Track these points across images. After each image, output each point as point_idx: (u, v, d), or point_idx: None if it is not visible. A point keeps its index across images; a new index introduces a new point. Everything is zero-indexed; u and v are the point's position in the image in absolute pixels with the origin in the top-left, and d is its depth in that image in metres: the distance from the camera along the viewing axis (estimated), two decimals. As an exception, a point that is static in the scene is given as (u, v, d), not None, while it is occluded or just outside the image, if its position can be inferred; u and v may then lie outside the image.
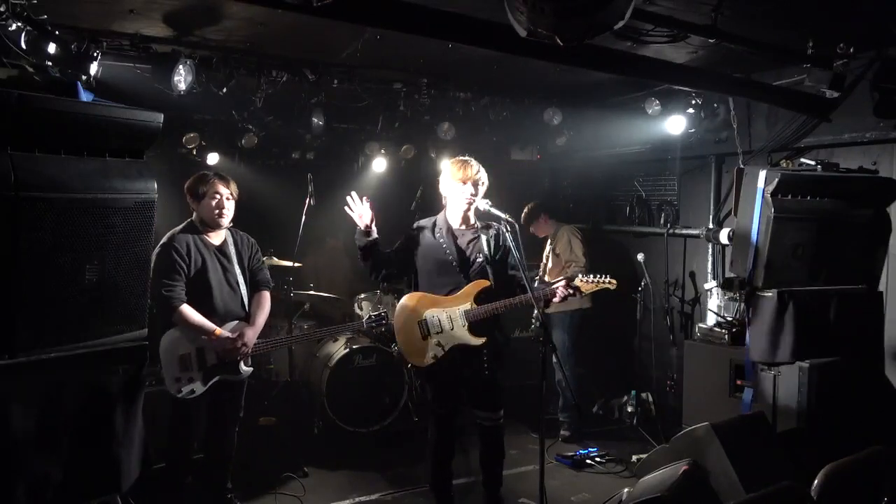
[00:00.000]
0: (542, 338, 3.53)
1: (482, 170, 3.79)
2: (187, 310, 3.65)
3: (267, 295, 4.07)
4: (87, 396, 2.18)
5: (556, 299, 3.84)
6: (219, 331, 3.71)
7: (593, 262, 5.43)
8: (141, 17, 3.68)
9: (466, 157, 3.83)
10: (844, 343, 3.97)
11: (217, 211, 3.80)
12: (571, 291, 3.79)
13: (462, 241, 3.82)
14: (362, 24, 3.53)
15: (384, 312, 4.49)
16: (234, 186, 3.90)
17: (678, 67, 4.29)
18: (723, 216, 5.60)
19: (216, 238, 3.88)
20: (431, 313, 3.74)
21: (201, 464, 4.08)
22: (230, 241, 3.95)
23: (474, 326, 3.70)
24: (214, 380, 3.73)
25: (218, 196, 3.80)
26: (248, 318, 3.92)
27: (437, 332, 3.72)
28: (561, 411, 5.51)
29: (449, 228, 3.83)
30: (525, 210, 5.76)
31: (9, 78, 2.92)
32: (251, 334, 3.82)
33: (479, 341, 3.70)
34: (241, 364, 3.81)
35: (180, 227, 3.83)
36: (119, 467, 2.27)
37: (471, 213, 3.83)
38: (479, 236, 3.82)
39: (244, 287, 3.94)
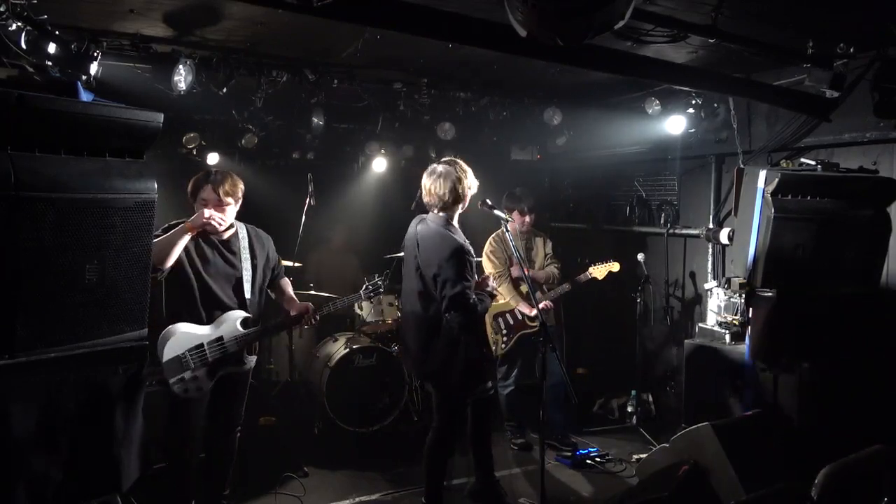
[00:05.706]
0: (542, 338, 3.54)
1: None
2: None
3: (287, 280, 4.16)
4: (87, 396, 2.17)
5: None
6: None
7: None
8: (141, 17, 3.68)
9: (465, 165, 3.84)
10: (844, 343, 3.97)
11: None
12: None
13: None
14: (362, 24, 3.53)
15: (380, 280, 4.44)
16: (230, 187, 3.67)
17: (678, 67, 4.28)
18: (723, 216, 5.60)
19: (226, 233, 3.76)
20: None
21: (202, 465, 4.05)
22: (242, 235, 3.83)
23: None
24: (220, 374, 3.65)
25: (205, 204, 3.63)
26: (245, 309, 3.77)
27: None
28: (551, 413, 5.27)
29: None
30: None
31: (9, 78, 2.93)
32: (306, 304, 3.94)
33: None
34: (245, 353, 3.74)
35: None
36: (119, 467, 2.26)
37: None
38: None
39: (249, 284, 3.79)
